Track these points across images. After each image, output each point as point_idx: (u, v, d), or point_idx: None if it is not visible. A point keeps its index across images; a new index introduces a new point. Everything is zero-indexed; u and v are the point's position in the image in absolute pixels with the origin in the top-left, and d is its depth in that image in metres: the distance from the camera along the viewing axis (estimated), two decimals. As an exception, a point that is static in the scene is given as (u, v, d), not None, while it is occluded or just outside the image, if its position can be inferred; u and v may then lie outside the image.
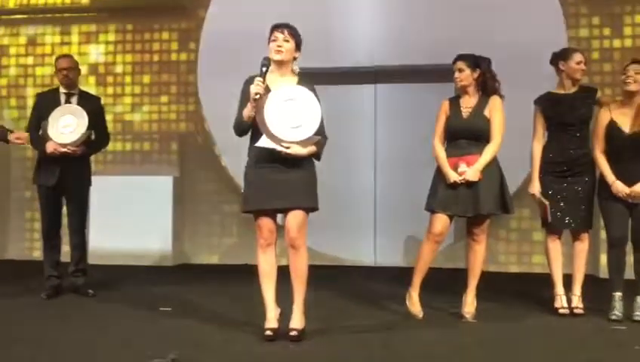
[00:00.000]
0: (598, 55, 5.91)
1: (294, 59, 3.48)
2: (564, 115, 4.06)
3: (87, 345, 3.37)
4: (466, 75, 3.92)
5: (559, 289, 4.11)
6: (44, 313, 4.14)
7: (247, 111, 3.36)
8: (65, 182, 4.54)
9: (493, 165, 3.89)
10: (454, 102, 4.01)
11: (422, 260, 3.94)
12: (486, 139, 3.89)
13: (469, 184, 3.82)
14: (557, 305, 4.09)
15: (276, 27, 3.45)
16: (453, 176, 3.83)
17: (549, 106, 4.12)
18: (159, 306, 4.20)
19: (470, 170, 3.82)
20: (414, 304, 3.98)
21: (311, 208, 3.47)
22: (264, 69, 3.35)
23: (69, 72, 4.60)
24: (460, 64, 3.94)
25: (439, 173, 3.94)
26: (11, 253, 6.73)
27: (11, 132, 4.50)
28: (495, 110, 3.91)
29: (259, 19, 6.18)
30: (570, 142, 4.06)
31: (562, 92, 4.14)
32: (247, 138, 3.51)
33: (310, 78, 3.52)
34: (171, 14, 6.65)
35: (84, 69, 6.38)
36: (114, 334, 3.62)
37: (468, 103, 3.96)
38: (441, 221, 3.87)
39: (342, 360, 3.16)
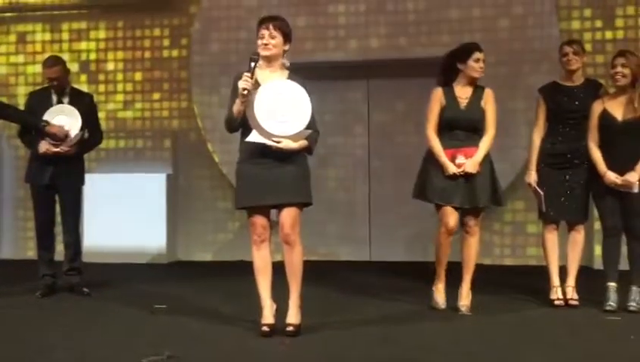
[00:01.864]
0: (590, 47, 5.90)
1: (284, 52, 3.46)
2: (565, 107, 4.08)
3: (82, 343, 3.36)
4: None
5: (555, 280, 4.13)
6: (38, 312, 4.12)
7: (237, 107, 3.35)
8: (58, 180, 4.52)
9: (487, 157, 3.91)
10: (448, 91, 3.94)
11: (441, 252, 3.97)
12: (481, 130, 3.90)
13: (466, 176, 3.83)
14: (552, 296, 4.10)
15: (262, 22, 3.43)
16: (452, 169, 3.82)
17: (552, 96, 4.13)
18: (154, 304, 4.18)
19: (469, 162, 3.82)
20: (441, 294, 4.01)
21: (305, 203, 3.46)
22: (252, 64, 3.33)
23: (57, 80, 4.55)
24: (483, 55, 3.90)
25: (433, 164, 3.91)
26: (5, 253, 6.69)
27: (47, 124, 4.41)
28: (490, 102, 3.93)
29: (250, 12, 6.26)
30: (570, 134, 4.07)
31: (567, 84, 4.14)
32: (239, 134, 3.51)
33: (301, 72, 3.50)
34: (162, 10, 6.62)
35: (74, 67, 6.38)
36: (109, 332, 3.60)
37: (463, 93, 3.93)
38: (452, 214, 3.88)
39: (339, 355, 3.15)
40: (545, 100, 4.15)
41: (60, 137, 4.39)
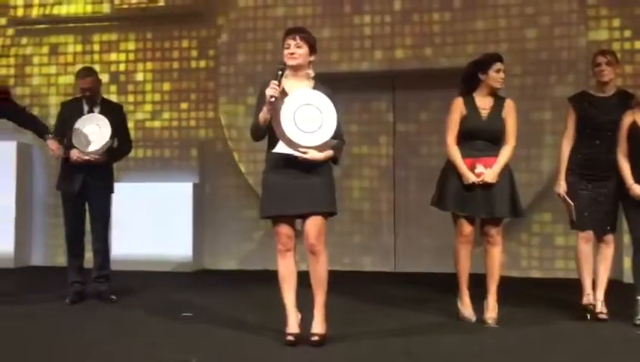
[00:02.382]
0: (619, 57, 5.84)
1: (309, 63, 3.50)
2: (596, 118, 4.03)
3: (109, 350, 3.40)
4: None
5: (588, 288, 4.05)
6: (67, 318, 4.19)
7: (263, 115, 3.38)
8: (88, 189, 4.60)
9: (506, 168, 3.90)
10: (469, 101, 3.95)
11: (461, 263, 3.96)
12: (501, 140, 3.91)
13: (484, 186, 3.83)
14: (585, 301, 4.03)
15: (288, 33, 3.48)
16: (471, 178, 3.82)
17: (582, 106, 4.09)
18: (181, 312, 4.23)
19: (489, 172, 3.82)
20: (467, 307, 3.98)
21: (330, 213, 3.47)
22: (280, 73, 3.37)
23: (90, 91, 4.66)
24: (503, 65, 3.92)
25: (452, 172, 3.92)
26: (35, 260, 6.83)
27: (51, 134, 4.52)
28: (511, 113, 3.93)
29: (276, 24, 6.33)
30: (599, 146, 4.02)
31: (598, 94, 4.10)
32: (265, 143, 3.55)
33: (326, 83, 3.53)
34: (190, 22, 6.73)
35: (105, 78, 6.50)
36: (136, 339, 3.65)
37: (484, 104, 3.94)
38: (467, 223, 3.90)
39: (363, 366, 3.15)
40: (575, 110, 4.11)
41: (57, 154, 4.46)
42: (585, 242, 4.08)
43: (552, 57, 5.93)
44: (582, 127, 4.08)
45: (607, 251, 4.08)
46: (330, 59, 6.17)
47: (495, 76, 3.88)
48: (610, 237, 4.08)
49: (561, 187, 4.09)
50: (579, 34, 5.91)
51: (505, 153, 3.88)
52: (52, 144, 4.46)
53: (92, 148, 4.50)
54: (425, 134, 6.28)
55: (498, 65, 3.89)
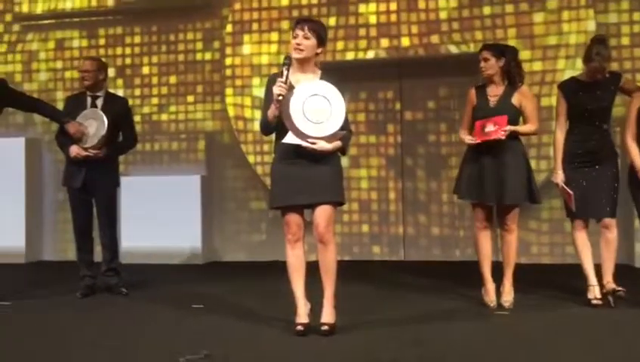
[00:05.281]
0: (628, 40, 5.78)
1: (317, 54, 3.47)
2: (586, 103, 3.99)
3: (121, 342, 3.43)
4: (491, 64, 3.96)
5: (592, 279, 4.03)
6: (79, 312, 4.22)
7: (272, 112, 3.38)
8: (92, 183, 4.60)
9: (520, 155, 3.94)
10: (481, 90, 4.05)
11: (480, 250, 4.03)
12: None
13: (496, 172, 3.86)
14: (590, 296, 4.01)
15: (297, 23, 3.46)
16: (467, 138, 3.94)
17: (572, 93, 4.05)
18: (191, 304, 4.24)
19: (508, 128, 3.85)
20: (488, 294, 4.03)
21: (338, 203, 3.47)
22: (285, 72, 3.33)
23: (87, 74, 4.65)
24: (485, 53, 4.01)
25: (467, 160, 4.02)
26: (46, 255, 6.87)
27: (66, 118, 4.55)
28: (527, 99, 3.99)
29: (280, 14, 6.30)
30: (592, 131, 3.99)
31: (587, 80, 4.05)
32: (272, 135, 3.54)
33: (332, 72, 3.50)
34: (195, 14, 6.70)
35: (111, 72, 6.49)
36: (147, 332, 3.67)
37: (495, 92, 4.00)
38: (481, 209, 3.98)
39: (374, 355, 3.15)
40: (564, 97, 4.07)
41: (77, 137, 4.48)
42: (579, 229, 4.06)
43: (561, 42, 5.87)
44: (572, 114, 4.04)
45: (610, 236, 4.03)
46: (335, 48, 6.13)
47: (480, 66, 4.01)
48: (611, 222, 4.01)
49: (559, 176, 4.05)
50: (587, 17, 5.83)
51: (529, 126, 3.96)
52: (71, 127, 4.47)
53: (89, 143, 4.50)
54: (432, 122, 6.24)
55: (480, 56, 4.03)
